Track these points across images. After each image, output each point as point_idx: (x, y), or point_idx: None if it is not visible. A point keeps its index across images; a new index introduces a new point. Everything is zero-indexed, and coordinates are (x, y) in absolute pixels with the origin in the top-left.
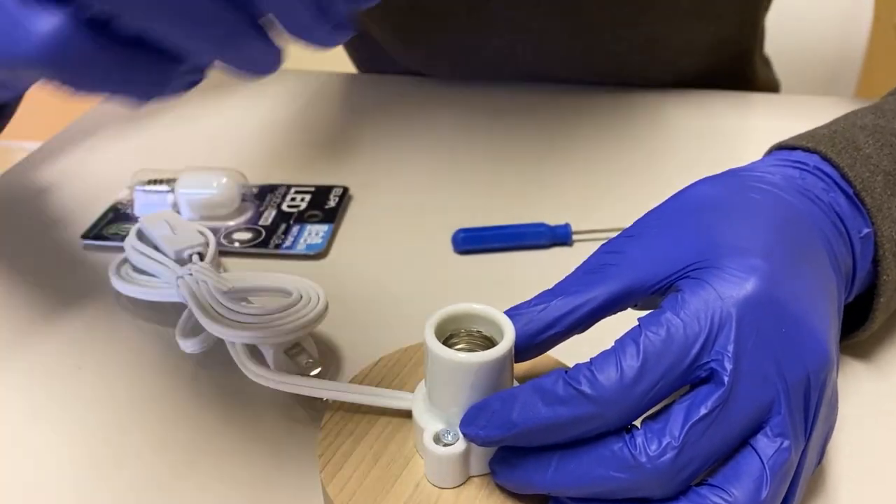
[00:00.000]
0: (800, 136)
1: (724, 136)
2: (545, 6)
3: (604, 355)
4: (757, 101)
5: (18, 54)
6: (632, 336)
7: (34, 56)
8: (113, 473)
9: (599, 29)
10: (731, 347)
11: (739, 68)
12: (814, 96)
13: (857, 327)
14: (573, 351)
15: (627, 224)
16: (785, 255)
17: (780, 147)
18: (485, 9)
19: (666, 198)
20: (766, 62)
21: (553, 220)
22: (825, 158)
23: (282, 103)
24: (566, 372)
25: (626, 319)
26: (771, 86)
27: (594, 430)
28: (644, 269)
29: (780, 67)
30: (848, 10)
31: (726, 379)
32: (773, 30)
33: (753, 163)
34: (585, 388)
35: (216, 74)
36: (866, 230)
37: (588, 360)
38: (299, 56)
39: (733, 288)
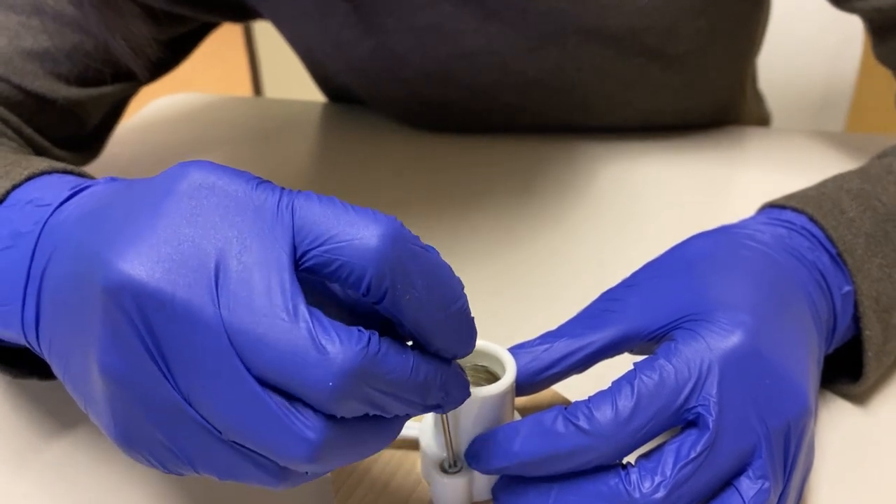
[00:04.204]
0: (790, 197)
1: (717, 170)
2: (540, 88)
3: (601, 395)
4: (748, 135)
5: (289, 455)
6: (627, 378)
7: (303, 459)
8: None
9: (594, 107)
10: (716, 394)
11: (731, 121)
12: (804, 131)
13: (844, 376)
14: (571, 386)
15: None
16: (770, 310)
17: (772, 205)
18: (486, 94)
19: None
20: (759, 98)
21: (551, 262)
22: (812, 220)
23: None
24: (565, 408)
25: (623, 361)
26: (762, 120)
27: (590, 463)
28: (641, 318)
29: (771, 99)
30: (838, 42)
31: (711, 423)
32: (764, 63)
33: (745, 220)
34: (583, 423)
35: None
36: (847, 288)
37: (586, 398)
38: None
39: (721, 340)
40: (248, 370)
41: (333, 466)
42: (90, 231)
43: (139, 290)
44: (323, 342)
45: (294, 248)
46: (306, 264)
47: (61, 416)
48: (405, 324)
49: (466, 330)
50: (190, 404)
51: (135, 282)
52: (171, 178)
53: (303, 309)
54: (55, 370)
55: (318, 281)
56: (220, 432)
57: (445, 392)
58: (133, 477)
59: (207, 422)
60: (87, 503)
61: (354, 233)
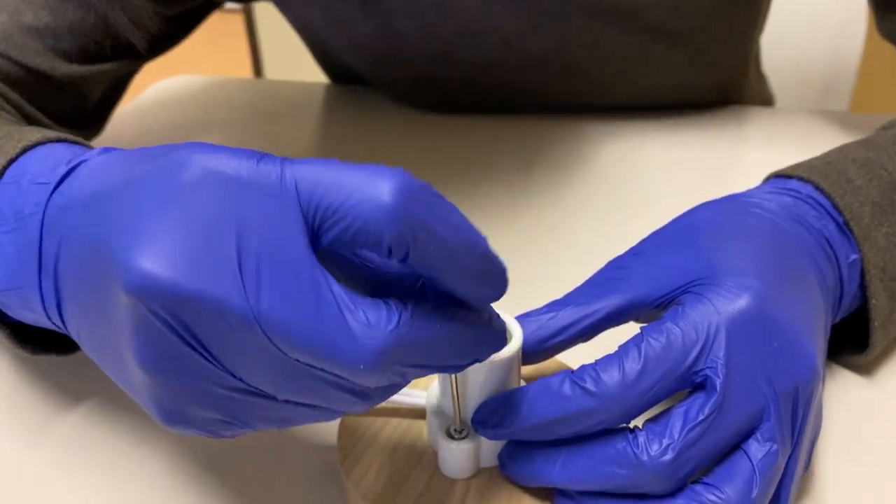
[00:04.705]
0: (795, 166)
1: (720, 149)
2: (544, 67)
3: (608, 358)
4: (751, 115)
5: (345, 408)
6: (634, 341)
7: (357, 406)
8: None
9: (598, 86)
10: (723, 356)
11: (735, 101)
12: (807, 110)
13: (851, 347)
14: (578, 357)
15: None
16: (777, 276)
17: (777, 175)
18: (488, 73)
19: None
20: (762, 78)
21: (552, 239)
22: (818, 188)
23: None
24: (572, 372)
25: (630, 332)
26: (765, 101)
27: (597, 426)
28: (648, 284)
29: (774, 80)
30: (842, 23)
31: (718, 385)
32: (768, 42)
33: (751, 189)
34: (590, 385)
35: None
36: (854, 256)
37: (593, 361)
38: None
39: (729, 303)
40: (284, 353)
41: (384, 400)
42: (97, 224)
43: (164, 291)
44: (351, 326)
45: (308, 226)
46: (325, 240)
47: (74, 389)
48: (435, 277)
49: (495, 271)
50: (241, 380)
51: (159, 283)
52: (174, 169)
53: (326, 291)
54: (89, 355)
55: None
56: (275, 396)
57: (483, 349)
58: (146, 447)
59: (262, 391)
60: (101, 473)
61: (363, 195)
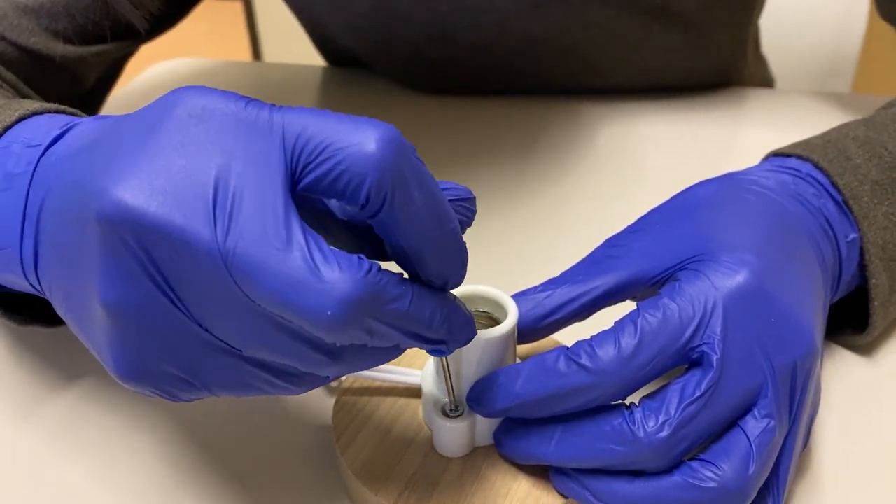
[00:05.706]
0: (795, 145)
1: (720, 130)
2: (544, 48)
3: (603, 333)
4: (750, 96)
5: (313, 367)
6: (630, 317)
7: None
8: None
9: (598, 68)
10: (720, 332)
11: (734, 84)
12: (806, 92)
13: (851, 328)
14: (574, 337)
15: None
16: (775, 252)
17: (776, 154)
18: (488, 54)
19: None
20: (762, 61)
21: (551, 221)
22: (817, 166)
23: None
24: (568, 348)
25: (627, 310)
26: (765, 84)
27: (592, 402)
28: (645, 261)
29: (776, 62)
30: (844, 5)
31: (715, 361)
32: (770, 24)
33: (750, 168)
34: (585, 361)
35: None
36: (853, 235)
37: (589, 337)
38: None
39: (726, 279)
40: (250, 298)
41: (354, 370)
42: (83, 166)
43: (136, 218)
44: (321, 270)
45: (289, 167)
46: (305, 181)
47: (67, 368)
48: (401, 241)
49: (459, 253)
50: (206, 329)
51: (131, 209)
52: (161, 107)
53: (299, 235)
54: (58, 311)
55: (321, 210)
56: (241, 350)
57: (449, 328)
58: (140, 427)
59: (226, 343)
60: (94, 454)
61: (351, 140)
